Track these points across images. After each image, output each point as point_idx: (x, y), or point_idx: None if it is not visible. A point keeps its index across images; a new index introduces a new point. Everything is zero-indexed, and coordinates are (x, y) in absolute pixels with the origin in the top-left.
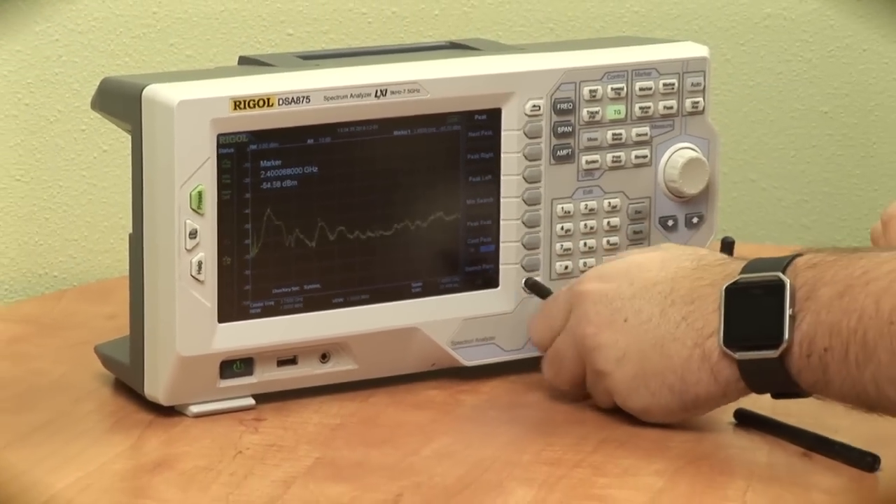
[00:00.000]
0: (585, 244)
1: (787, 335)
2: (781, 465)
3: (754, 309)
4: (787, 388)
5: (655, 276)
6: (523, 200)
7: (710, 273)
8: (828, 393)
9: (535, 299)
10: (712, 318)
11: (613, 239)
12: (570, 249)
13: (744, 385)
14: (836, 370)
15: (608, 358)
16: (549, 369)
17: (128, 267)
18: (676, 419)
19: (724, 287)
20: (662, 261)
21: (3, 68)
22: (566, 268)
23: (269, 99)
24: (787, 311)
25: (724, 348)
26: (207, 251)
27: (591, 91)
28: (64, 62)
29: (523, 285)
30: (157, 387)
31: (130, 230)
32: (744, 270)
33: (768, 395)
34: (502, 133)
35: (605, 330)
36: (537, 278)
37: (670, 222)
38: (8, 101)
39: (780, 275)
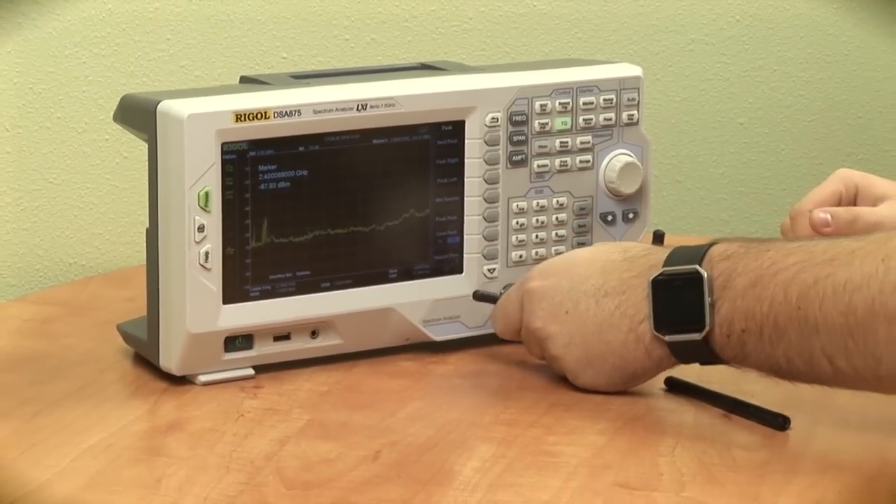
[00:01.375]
0: (537, 236)
1: (708, 321)
2: (705, 426)
3: (678, 299)
4: (711, 360)
5: (587, 271)
6: (484, 199)
7: (637, 265)
8: (746, 364)
9: (494, 284)
10: (642, 306)
11: (561, 232)
12: (524, 241)
13: (674, 360)
14: (753, 347)
15: (557, 345)
16: (527, 349)
17: (145, 257)
18: (620, 389)
19: (651, 279)
20: (593, 256)
21: (38, 87)
22: (520, 256)
23: (265, 112)
24: (707, 300)
25: (655, 332)
26: (213, 243)
27: (541, 105)
28: (90, 81)
29: (472, 297)
30: (170, 359)
31: (147, 225)
32: (666, 262)
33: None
34: (466, 141)
35: (550, 322)
36: (480, 288)
37: (609, 217)
38: (42, 114)
39: (698, 267)
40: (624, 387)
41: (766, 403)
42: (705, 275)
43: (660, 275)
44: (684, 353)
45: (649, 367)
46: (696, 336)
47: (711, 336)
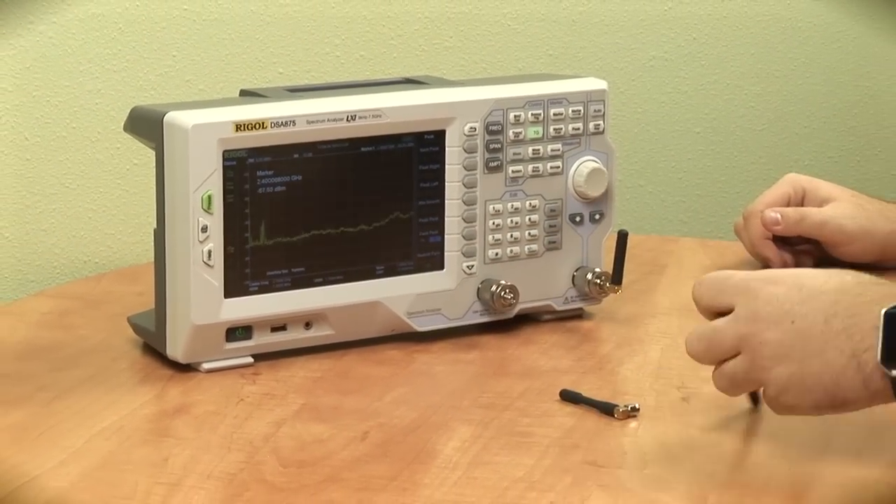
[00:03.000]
0: (511, 236)
1: None
2: (666, 408)
3: None
4: None
5: (822, 286)
6: (463, 201)
7: (870, 291)
8: None
9: (471, 280)
10: (870, 335)
11: (533, 232)
12: (499, 240)
13: (892, 395)
14: None
15: (771, 355)
16: (700, 343)
17: (153, 255)
18: (813, 414)
19: (885, 311)
20: (827, 274)
21: (54, 99)
22: (496, 254)
23: (263, 122)
24: None
25: (880, 364)
26: (215, 242)
27: (515, 116)
28: (102, 94)
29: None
30: (176, 348)
31: (155, 226)
32: None
33: None
34: (446, 149)
35: (772, 328)
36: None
37: (578, 218)
38: (59, 125)
39: None
40: (827, 412)
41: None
42: None
43: (895, 307)
44: None
45: (863, 398)
46: None
47: None
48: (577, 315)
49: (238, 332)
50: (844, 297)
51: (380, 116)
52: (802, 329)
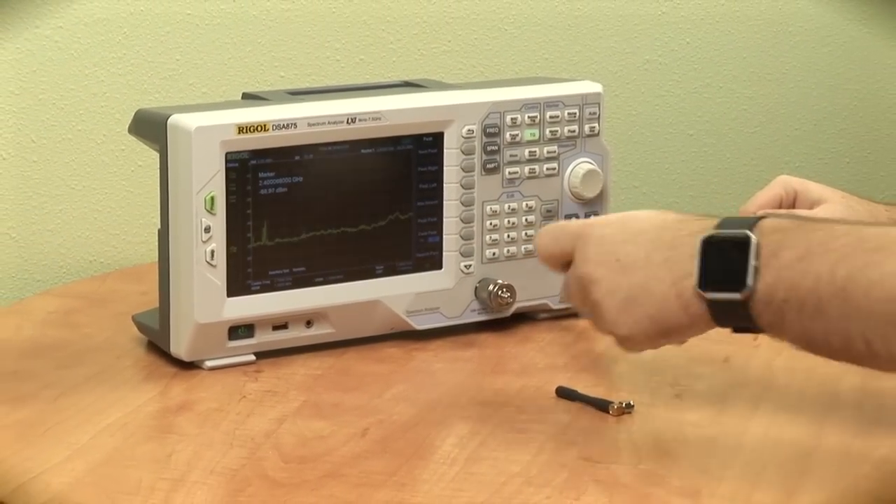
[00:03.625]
0: (508, 236)
1: (750, 282)
2: (660, 404)
3: (724, 259)
4: (746, 325)
5: (643, 226)
6: (461, 202)
7: (689, 225)
8: (781, 335)
9: (469, 279)
10: (689, 263)
11: (530, 232)
12: (496, 240)
13: (710, 318)
14: (792, 319)
15: (601, 290)
16: (564, 292)
17: (157, 255)
18: (651, 346)
19: (701, 238)
20: (649, 215)
21: (60, 102)
22: (494, 254)
23: (265, 125)
24: (752, 263)
25: (697, 289)
26: (218, 242)
27: (512, 119)
28: (108, 97)
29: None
30: (180, 346)
31: (159, 226)
32: (717, 226)
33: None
34: (444, 151)
35: (600, 267)
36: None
37: (574, 219)
38: (65, 127)
39: (748, 232)
40: (658, 341)
41: (714, 386)
42: (754, 239)
43: (710, 235)
44: (722, 314)
45: (685, 323)
46: (737, 296)
47: (751, 300)
48: (573, 314)
49: (240, 330)
50: (665, 233)
51: (379, 119)
52: (626, 265)
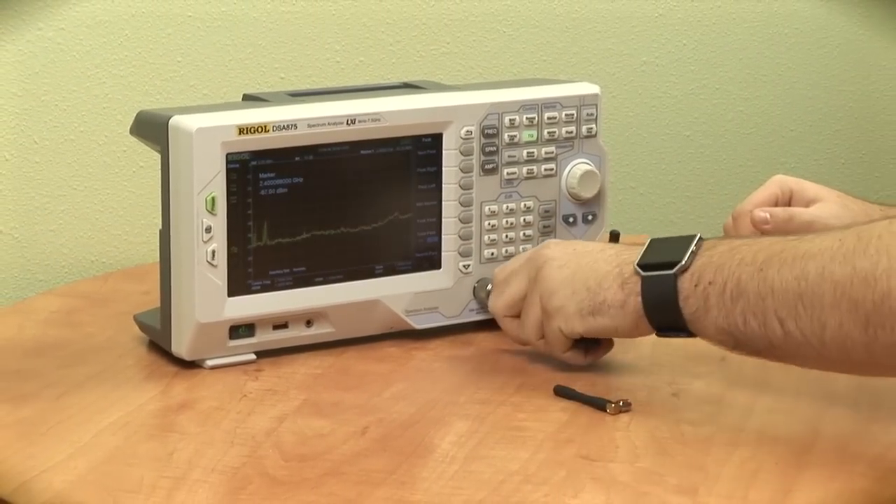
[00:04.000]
0: (506, 236)
1: (685, 260)
2: (657, 403)
3: (668, 248)
4: (672, 311)
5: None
6: (459, 203)
7: (635, 247)
8: (704, 322)
9: (467, 279)
10: (636, 253)
11: (528, 232)
12: (495, 240)
13: (639, 301)
14: (715, 301)
15: (552, 265)
16: (496, 292)
17: (158, 255)
18: (582, 325)
19: (650, 239)
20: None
21: (63, 104)
22: (492, 254)
23: (265, 126)
24: (691, 248)
25: (636, 268)
26: (219, 242)
27: (510, 120)
28: (110, 99)
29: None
30: (181, 346)
31: (160, 226)
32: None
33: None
34: (443, 152)
35: (557, 249)
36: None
37: (571, 219)
38: (67, 128)
39: (698, 234)
40: (587, 319)
41: (710, 385)
42: (699, 235)
43: (658, 238)
44: (651, 291)
45: (618, 299)
46: (669, 272)
47: (681, 279)
48: None
49: (241, 329)
50: (617, 246)
51: (379, 120)
52: (580, 251)
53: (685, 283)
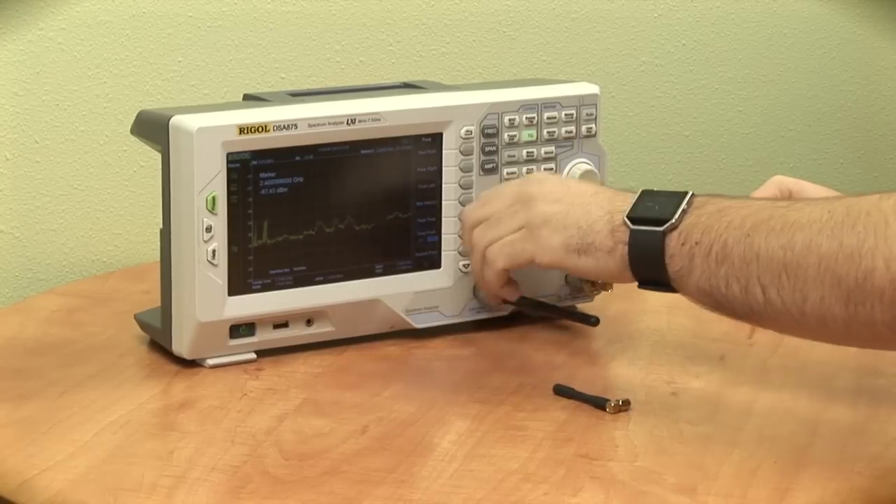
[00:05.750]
0: None
1: (675, 218)
2: (656, 402)
3: (659, 204)
4: (657, 267)
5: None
6: (459, 202)
7: (628, 194)
8: (687, 281)
9: (467, 278)
10: (628, 202)
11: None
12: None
13: (626, 253)
14: (699, 262)
15: (545, 194)
16: (478, 203)
17: (159, 254)
18: (566, 260)
19: (641, 190)
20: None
21: (63, 104)
22: None
23: (266, 126)
24: (682, 206)
25: (626, 219)
26: (219, 242)
27: (510, 119)
28: (110, 98)
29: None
30: (181, 345)
31: (161, 226)
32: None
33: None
34: (443, 151)
35: (550, 181)
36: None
37: None
38: (68, 128)
39: (690, 191)
40: (570, 256)
41: (709, 384)
42: (691, 192)
43: (649, 189)
44: (638, 245)
45: (606, 244)
46: (658, 228)
47: (668, 237)
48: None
49: (241, 328)
50: (611, 189)
51: (379, 120)
52: (574, 190)
53: (672, 242)
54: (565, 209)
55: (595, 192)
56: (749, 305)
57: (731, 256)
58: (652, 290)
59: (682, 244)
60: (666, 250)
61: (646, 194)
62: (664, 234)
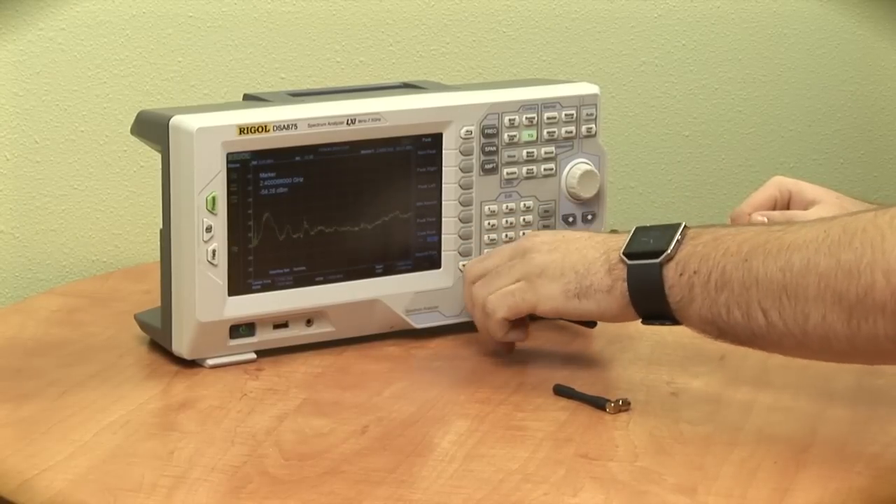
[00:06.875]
0: (506, 236)
1: (670, 249)
2: (656, 402)
3: (652, 237)
4: (657, 299)
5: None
6: (459, 202)
7: (622, 234)
8: (689, 311)
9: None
10: (622, 241)
11: (528, 231)
12: (494, 240)
13: (625, 288)
14: (699, 291)
15: (541, 247)
16: (478, 259)
17: (159, 254)
18: (566, 306)
19: (635, 227)
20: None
21: (63, 104)
22: None
23: (266, 126)
24: (677, 238)
25: (622, 255)
26: (219, 242)
27: (510, 120)
28: (110, 99)
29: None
30: (181, 345)
31: (161, 226)
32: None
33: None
34: (443, 151)
35: (545, 234)
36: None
37: (571, 219)
38: (68, 128)
39: (680, 223)
40: (571, 301)
41: (709, 384)
42: (684, 224)
43: (642, 226)
44: (637, 279)
45: (605, 285)
46: (655, 261)
47: (666, 268)
48: None
49: (241, 329)
50: (602, 234)
51: (379, 120)
52: (568, 237)
53: (670, 272)
54: (561, 256)
55: (589, 237)
56: (752, 330)
57: (730, 283)
58: (656, 324)
59: (681, 274)
60: (665, 281)
61: (639, 230)
62: (661, 265)
